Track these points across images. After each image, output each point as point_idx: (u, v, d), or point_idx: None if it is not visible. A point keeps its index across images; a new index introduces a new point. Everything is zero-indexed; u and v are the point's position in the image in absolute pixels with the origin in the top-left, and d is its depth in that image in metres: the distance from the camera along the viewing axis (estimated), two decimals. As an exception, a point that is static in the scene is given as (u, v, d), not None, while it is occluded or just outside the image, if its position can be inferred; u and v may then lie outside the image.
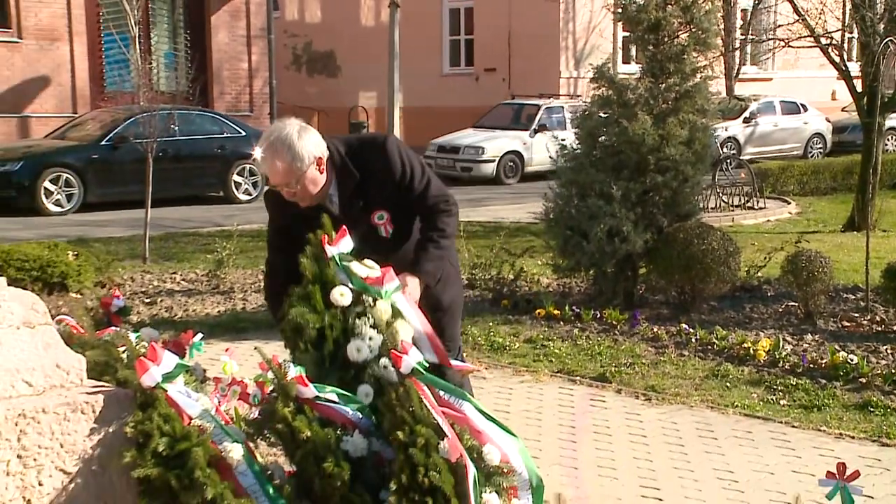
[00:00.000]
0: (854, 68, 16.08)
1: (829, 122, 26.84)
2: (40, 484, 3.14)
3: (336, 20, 31.55)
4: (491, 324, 8.64)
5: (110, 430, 3.25)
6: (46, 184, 16.92)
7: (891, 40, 11.32)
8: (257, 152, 4.21)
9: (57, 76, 21.68)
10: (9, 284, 3.47)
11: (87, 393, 3.28)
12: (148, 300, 9.71)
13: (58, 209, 16.94)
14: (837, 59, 15.34)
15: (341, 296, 3.73)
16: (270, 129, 4.22)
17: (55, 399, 3.20)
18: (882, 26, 14.06)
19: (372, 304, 3.78)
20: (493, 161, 22.38)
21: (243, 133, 19.39)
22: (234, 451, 3.34)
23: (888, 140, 23.98)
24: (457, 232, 4.44)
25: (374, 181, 4.25)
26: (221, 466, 3.32)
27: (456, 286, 4.68)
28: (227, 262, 10.49)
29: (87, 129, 18.55)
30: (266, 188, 4.39)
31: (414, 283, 4.13)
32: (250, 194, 18.92)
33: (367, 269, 3.88)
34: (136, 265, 11.58)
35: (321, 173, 4.18)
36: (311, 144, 4.13)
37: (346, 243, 3.89)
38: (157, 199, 12.79)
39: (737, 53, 27.71)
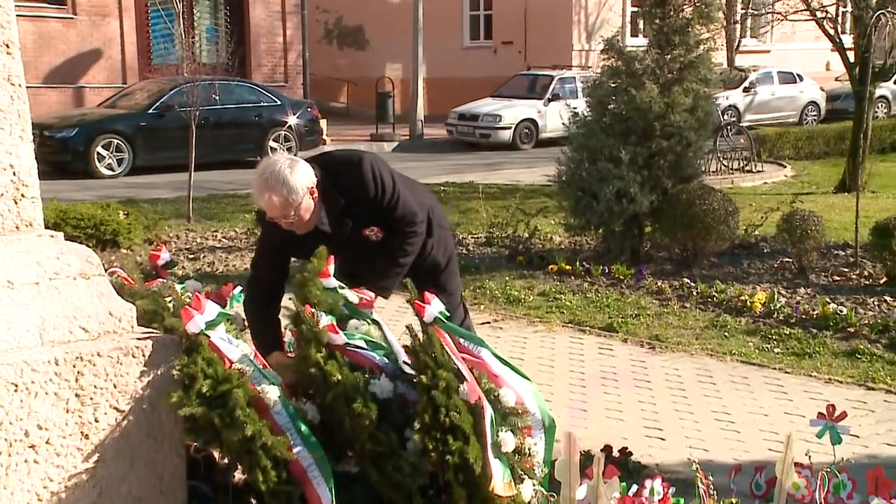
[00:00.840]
0: (847, 40, 15.89)
1: (823, 91, 26.54)
2: (96, 420, 3.17)
3: (365, -3, 31.33)
4: (507, 278, 8.64)
5: (159, 372, 3.27)
6: (99, 149, 16.97)
7: (882, 13, 11.15)
8: (254, 191, 4.09)
9: (108, 49, 21.66)
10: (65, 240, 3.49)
11: (138, 338, 3.29)
12: (191, 256, 9.75)
13: (109, 172, 16.99)
14: (832, 32, 15.19)
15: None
16: (262, 168, 4.06)
17: (109, 344, 3.22)
18: (874, 0, 13.85)
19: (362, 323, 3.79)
20: (509, 128, 22.25)
21: (279, 102, 19.36)
22: (271, 393, 3.37)
23: (878, 107, 23.68)
24: (418, 248, 4.30)
25: (356, 201, 4.16)
26: (259, 406, 3.34)
27: (449, 246, 4.66)
28: (264, 221, 10.50)
29: (136, 98, 18.55)
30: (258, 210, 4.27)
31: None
32: (286, 159, 18.85)
33: (356, 295, 3.88)
34: (180, 224, 11.62)
35: (314, 201, 4.09)
36: (302, 177, 4.01)
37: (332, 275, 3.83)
38: (200, 163, 12.81)
39: (737, 26, 27.39)
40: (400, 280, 4.19)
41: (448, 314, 3.71)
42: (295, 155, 4.32)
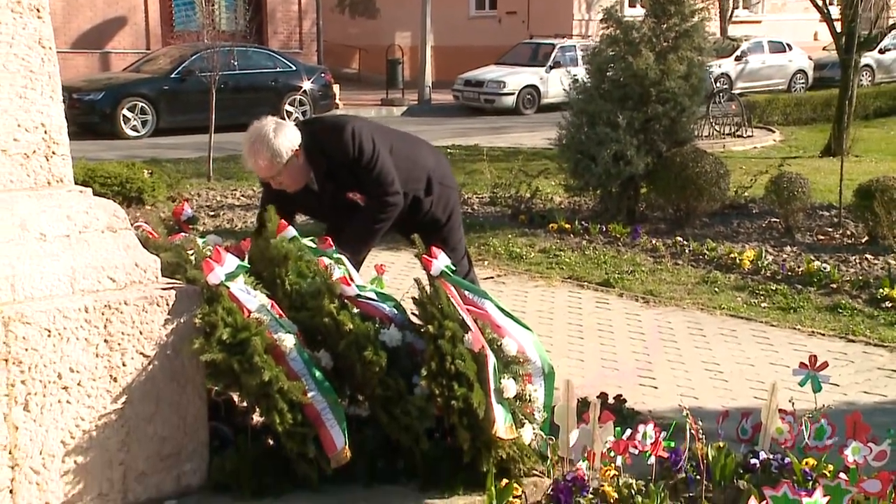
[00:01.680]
0: (835, 11, 15.72)
1: (811, 59, 26.31)
2: (124, 364, 3.18)
3: (376, -33, 31.04)
4: (510, 236, 8.63)
5: (182, 320, 3.28)
6: (124, 111, 16.92)
7: (869, -14, 11.01)
8: (243, 154, 4.12)
9: (132, 16, 21.52)
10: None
11: (162, 288, 3.30)
12: (212, 213, 9.75)
13: (134, 133, 16.95)
14: (820, 3, 15.03)
15: None
16: (249, 132, 4.10)
17: (135, 293, 3.23)
18: (861, -27, 13.68)
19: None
20: (512, 94, 22.12)
21: (294, 68, 19.25)
22: (287, 341, 3.37)
23: (863, 76, 23.47)
24: (391, 220, 4.21)
25: (339, 165, 4.14)
26: (276, 353, 3.35)
27: (451, 202, 4.59)
28: (280, 180, 10.48)
29: (159, 63, 18.45)
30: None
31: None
32: (301, 122, 18.82)
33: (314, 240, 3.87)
34: (201, 182, 11.60)
35: (301, 162, 4.10)
36: (286, 140, 4.04)
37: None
38: (219, 125, 12.76)
39: (731, -2, 27.11)
40: (370, 245, 4.15)
41: (454, 268, 3.71)
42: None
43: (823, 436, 3.68)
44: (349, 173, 4.17)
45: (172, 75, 17.50)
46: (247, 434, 3.52)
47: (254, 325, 3.32)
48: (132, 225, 3.57)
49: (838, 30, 14.48)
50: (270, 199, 4.24)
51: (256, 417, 3.60)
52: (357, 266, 4.11)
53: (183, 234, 4.21)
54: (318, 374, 3.41)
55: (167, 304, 3.25)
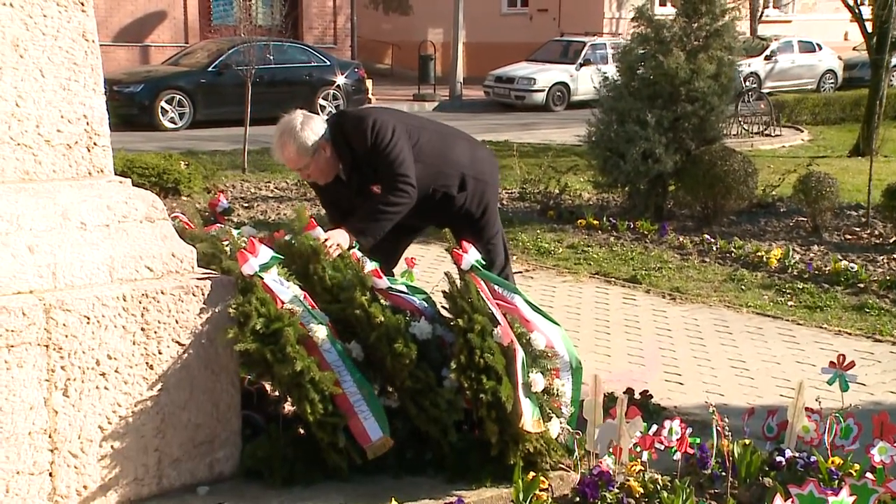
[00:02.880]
0: (866, 11, 15.52)
1: (840, 59, 26.01)
2: (160, 352, 3.20)
3: (409, -36, 31.03)
4: (538, 231, 8.60)
5: (216, 310, 3.29)
6: (163, 104, 17.03)
7: (902, -14, 10.86)
8: (272, 148, 4.17)
9: (172, 11, 21.66)
10: (132, 186, 3.50)
11: (198, 278, 3.31)
12: (246, 204, 9.79)
13: (172, 125, 17.06)
14: (851, 3, 14.85)
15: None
16: (278, 125, 4.13)
17: (172, 283, 3.24)
18: (894, -26, 13.49)
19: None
20: (543, 90, 22.03)
21: (328, 63, 19.28)
22: (319, 332, 3.38)
23: (893, 76, 23.18)
24: (402, 210, 4.12)
25: (361, 157, 4.14)
26: (309, 344, 3.35)
27: (486, 197, 4.51)
28: (313, 174, 10.51)
29: (197, 57, 18.55)
30: None
31: (343, 236, 3.95)
32: (334, 116, 18.86)
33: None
34: (236, 174, 11.65)
35: (328, 154, 4.11)
36: (312, 133, 4.06)
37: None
38: (255, 118, 12.80)
39: (761, -3, 26.86)
40: (378, 232, 4.08)
41: (483, 263, 3.69)
42: None
43: (850, 435, 3.64)
44: (370, 165, 4.16)
45: (210, 69, 17.58)
46: (278, 423, 3.53)
47: (287, 315, 3.33)
48: (169, 215, 3.58)
49: (869, 30, 14.30)
50: (324, 198, 4.42)
51: (288, 407, 3.61)
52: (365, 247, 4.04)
53: (218, 225, 4.23)
54: (351, 365, 3.41)
55: (202, 294, 3.26)
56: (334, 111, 18.49)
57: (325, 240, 3.77)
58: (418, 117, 4.54)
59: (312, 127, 4.09)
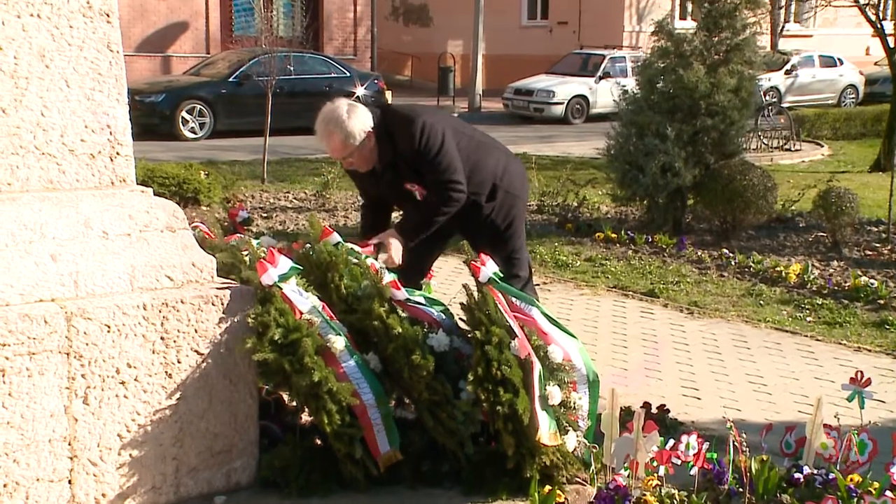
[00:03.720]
0: (888, 26, 15.46)
1: (861, 74, 25.89)
2: (179, 361, 3.22)
3: (430, -24, 31.17)
4: (556, 244, 8.59)
5: (235, 319, 3.31)
6: (183, 114, 17.14)
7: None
8: (316, 135, 4.20)
9: (194, 22, 21.83)
10: (153, 196, 3.53)
11: (217, 288, 3.34)
12: (265, 214, 9.83)
13: (192, 135, 17.16)
14: (873, 18, 14.79)
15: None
16: (323, 113, 4.15)
17: (191, 292, 3.27)
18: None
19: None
20: (562, 103, 22.02)
21: (348, 74, 19.35)
22: (338, 343, 3.39)
23: (915, 92, 23.07)
24: (452, 211, 4.19)
25: (402, 154, 4.17)
26: (327, 354, 3.37)
27: (513, 211, 4.51)
28: (332, 185, 10.56)
29: (218, 67, 18.67)
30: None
31: (395, 243, 4.11)
32: (353, 127, 18.94)
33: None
34: (255, 185, 11.70)
35: (372, 144, 4.13)
36: (359, 122, 4.08)
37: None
38: (275, 129, 12.87)
39: (782, 11, 26.80)
40: (424, 234, 4.16)
41: (501, 275, 3.70)
42: None
43: (865, 450, 3.61)
44: (410, 163, 4.18)
45: (230, 79, 17.68)
46: (296, 433, 3.54)
47: (305, 326, 3.34)
48: (189, 225, 3.61)
49: (891, 45, 14.24)
50: (365, 192, 4.52)
51: (305, 417, 3.62)
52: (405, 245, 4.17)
53: (238, 235, 4.25)
54: (370, 376, 3.42)
55: (222, 304, 3.28)
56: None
57: (378, 243, 3.97)
58: (459, 120, 4.54)
59: (359, 116, 4.10)
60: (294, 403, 3.69)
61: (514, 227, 4.52)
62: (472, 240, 4.41)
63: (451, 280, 6.86)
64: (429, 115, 4.29)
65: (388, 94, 21.18)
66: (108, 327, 3.06)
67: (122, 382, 3.11)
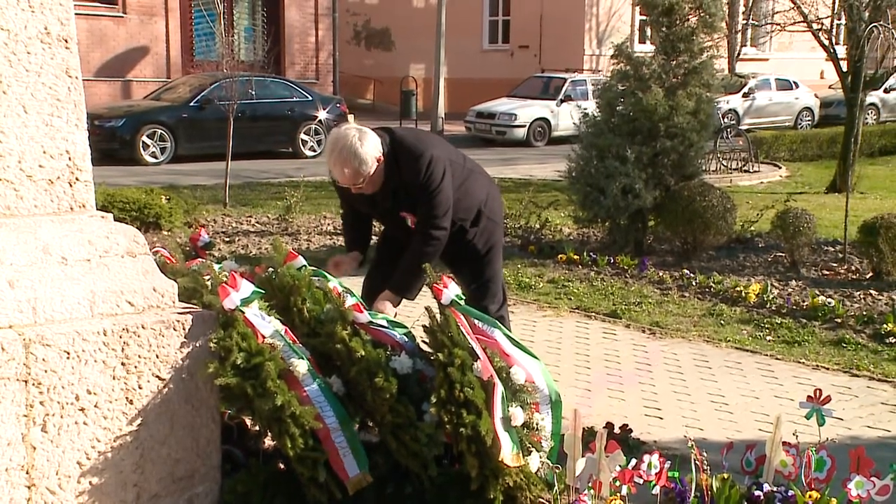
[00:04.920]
0: (841, 51, 15.79)
1: (817, 97, 26.37)
2: (140, 387, 3.20)
3: (391, 1, 31.31)
4: (519, 266, 8.64)
5: (197, 344, 3.29)
6: (144, 138, 17.05)
7: (875, 26, 11.05)
8: (328, 162, 4.25)
9: (154, 46, 21.75)
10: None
11: (179, 313, 3.32)
12: (227, 239, 9.79)
13: (153, 160, 17.06)
14: (827, 43, 15.10)
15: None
16: (333, 140, 4.18)
17: (152, 317, 3.25)
18: (867, 13, 13.76)
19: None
20: (524, 126, 22.19)
21: (310, 98, 19.37)
22: (300, 366, 3.38)
23: (868, 114, 23.51)
24: (436, 252, 4.29)
25: (402, 185, 4.23)
26: (289, 378, 3.36)
27: (493, 238, 4.63)
28: (294, 209, 10.56)
29: (179, 92, 18.60)
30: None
31: (389, 304, 4.25)
32: (315, 150, 18.94)
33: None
34: (217, 209, 11.66)
35: (381, 167, 4.19)
36: (372, 148, 4.13)
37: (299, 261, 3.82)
38: (236, 153, 12.84)
39: (739, 36, 27.25)
40: (418, 280, 4.22)
41: (463, 297, 3.72)
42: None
43: (823, 467, 3.66)
44: (409, 192, 4.24)
45: (191, 103, 17.63)
46: (258, 458, 3.52)
47: (267, 350, 3.33)
48: (151, 250, 3.59)
49: (844, 69, 14.53)
50: (348, 209, 4.55)
51: (268, 441, 3.61)
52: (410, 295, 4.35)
53: (200, 259, 4.24)
54: (333, 399, 3.42)
55: (183, 329, 3.27)
56: (316, 147, 18.64)
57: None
58: (452, 147, 4.62)
59: (370, 142, 4.13)
60: (257, 428, 3.67)
61: (492, 254, 4.61)
62: (452, 263, 4.47)
63: (413, 302, 6.87)
64: (434, 146, 4.35)
65: (351, 118, 21.17)
66: (68, 354, 3.04)
67: (82, 409, 3.08)
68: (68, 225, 3.29)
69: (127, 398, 3.17)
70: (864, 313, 6.90)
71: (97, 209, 3.49)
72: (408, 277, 4.28)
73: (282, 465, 3.49)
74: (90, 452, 3.11)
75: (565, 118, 20.42)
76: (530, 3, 27.71)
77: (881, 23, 11.61)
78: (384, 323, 3.72)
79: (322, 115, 19.18)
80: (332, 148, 4.15)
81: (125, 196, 9.71)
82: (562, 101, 22.25)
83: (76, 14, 3.44)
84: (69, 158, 3.34)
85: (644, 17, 11.01)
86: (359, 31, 32.23)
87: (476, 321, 3.67)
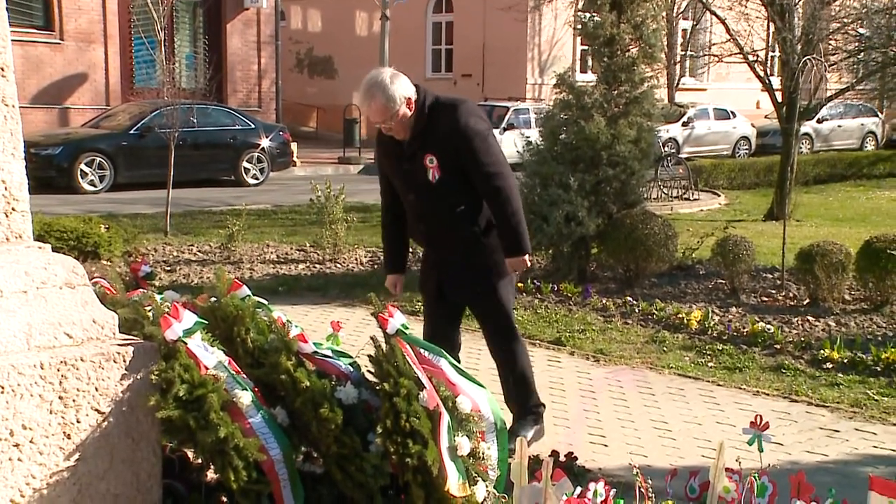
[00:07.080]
0: (776, 82, 16.19)
1: (753, 127, 26.96)
2: (78, 421, 3.13)
3: (334, 29, 31.38)
4: (464, 293, 8.63)
5: (138, 376, 3.24)
6: (82, 166, 16.80)
7: (808, 58, 11.36)
8: (359, 98, 4.39)
9: (93, 73, 21.47)
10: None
11: (119, 345, 3.26)
12: (168, 268, 9.66)
13: (92, 188, 16.81)
14: (762, 74, 15.48)
15: None
16: (367, 78, 4.35)
17: (92, 349, 3.19)
18: (800, 47, 14.13)
19: None
20: (467, 154, 22.27)
21: (252, 126, 19.28)
22: (244, 398, 3.35)
23: (802, 143, 24.09)
24: (518, 198, 4.48)
25: (436, 133, 4.35)
26: (233, 410, 3.32)
27: (492, 256, 4.67)
28: (236, 237, 10.46)
29: (118, 119, 18.39)
30: (378, 135, 4.57)
31: (519, 263, 4.48)
32: (257, 179, 18.83)
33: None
34: (158, 238, 11.51)
35: (411, 111, 4.32)
36: (401, 88, 4.29)
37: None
38: (177, 181, 12.71)
39: (678, 66, 27.82)
40: (522, 230, 4.41)
41: (408, 327, 3.71)
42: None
43: (765, 493, 3.70)
44: (437, 141, 4.34)
45: (131, 131, 17.43)
46: (201, 491, 3.46)
47: (210, 381, 3.29)
48: (90, 280, 3.53)
49: (779, 99, 14.89)
50: (383, 181, 4.65)
51: (211, 474, 3.55)
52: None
53: (140, 290, 4.18)
54: (277, 431, 3.38)
55: (124, 361, 3.21)
56: (259, 174, 18.51)
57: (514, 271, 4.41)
58: None
59: (401, 82, 4.30)
60: (199, 461, 3.61)
61: (496, 275, 4.64)
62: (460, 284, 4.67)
63: (359, 332, 6.84)
64: (469, 102, 4.54)
65: (294, 146, 21.14)
66: (2, 388, 2.96)
67: (17, 445, 3.00)
68: (4, 256, 3.22)
69: (64, 433, 3.10)
70: (802, 339, 7.03)
71: (34, 239, 3.42)
72: (515, 236, 4.41)
73: (224, 499, 3.43)
74: (24, 489, 3.03)
75: (508, 146, 20.33)
76: (473, 33, 27.97)
77: (814, 55, 11.93)
78: (329, 353, 3.70)
79: (265, 142, 19.10)
80: (364, 84, 4.31)
81: (63, 225, 9.54)
82: (505, 130, 22.40)
83: (12, 41, 3.38)
84: (5, 188, 3.28)
85: (585, 47, 11.15)
86: (302, 59, 32.22)
87: (422, 350, 3.67)
